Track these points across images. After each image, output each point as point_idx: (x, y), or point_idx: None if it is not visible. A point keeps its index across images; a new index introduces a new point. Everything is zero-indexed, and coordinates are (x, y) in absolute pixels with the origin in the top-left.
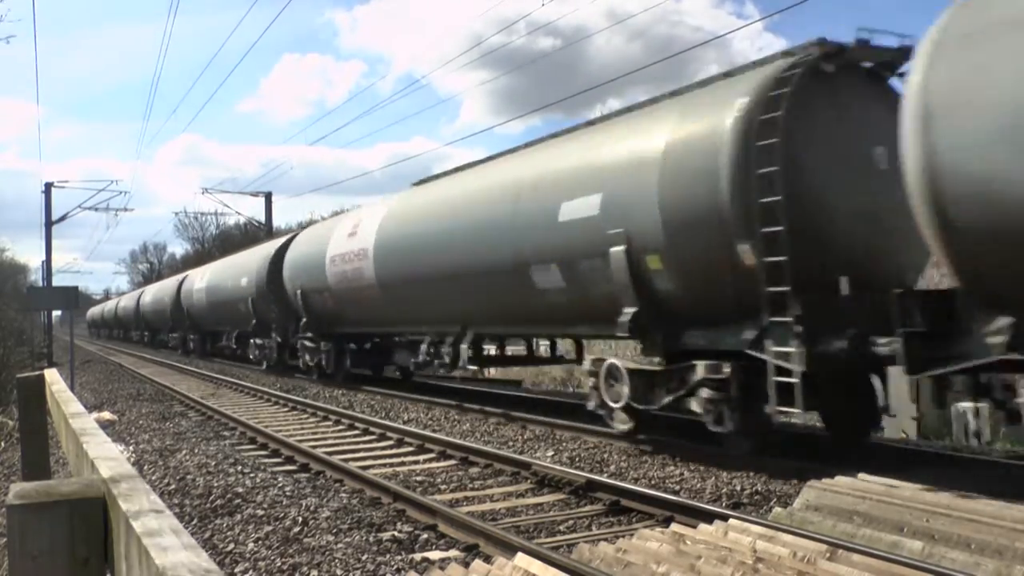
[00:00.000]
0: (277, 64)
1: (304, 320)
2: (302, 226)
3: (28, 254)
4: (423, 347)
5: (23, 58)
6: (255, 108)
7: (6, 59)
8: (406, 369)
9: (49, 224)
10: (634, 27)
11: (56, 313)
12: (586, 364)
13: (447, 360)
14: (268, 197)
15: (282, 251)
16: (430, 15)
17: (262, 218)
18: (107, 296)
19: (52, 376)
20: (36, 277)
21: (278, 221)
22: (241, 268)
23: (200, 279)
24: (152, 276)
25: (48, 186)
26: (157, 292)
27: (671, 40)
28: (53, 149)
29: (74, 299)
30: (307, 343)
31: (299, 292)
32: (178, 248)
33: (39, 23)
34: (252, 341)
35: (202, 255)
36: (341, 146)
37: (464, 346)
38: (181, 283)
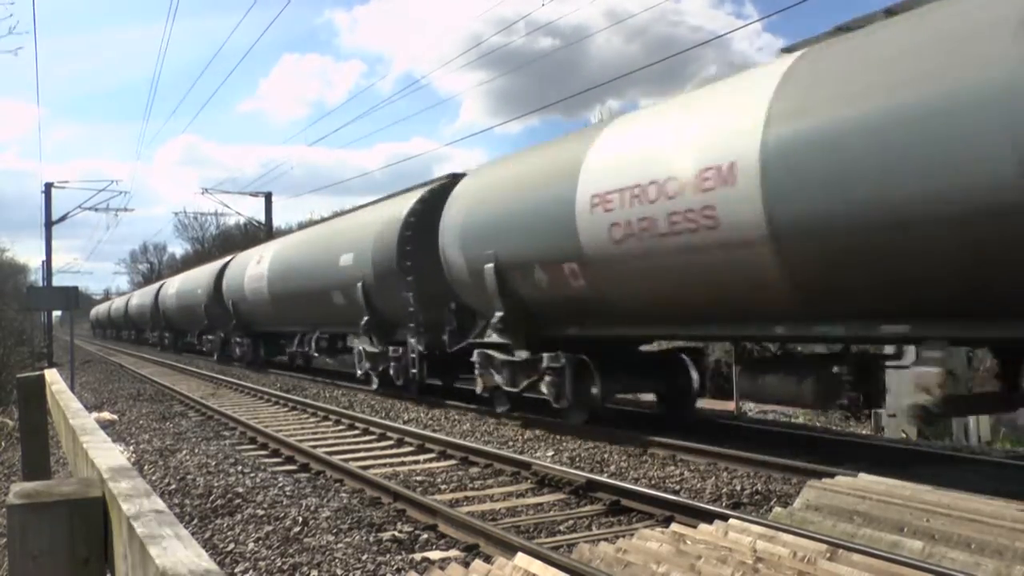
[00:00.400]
0: (276, 64)
1: (499, 315)
2: (302, 225)
3: (28, 254)
4: (932, 372)
5: (24, 59)
6: (254, 108)
7: (7, 61)
8: (685, 396)
9: (49, 224)
10: (633, 27)
11: (56, 313)
12: None
13: None
14: (268, 197)
15: (428, 208)
16: (430, 15)
17: (262, 218)
18: (107, 295)
19: (52, 376)
20: (36, 277)
21: (278, 221)
22: (340, 240)
23: (257, 262)
24: (152, 276)
25: (48, 186)
26: (184, 284)
27: (670, 40)
28: (53, 149)
29: (74, 299)
30: (497, 355)
31: (490, 268)
32: (178, 248)
33: (39, 24)
34: (360, 349)
35: (202, 255)
36: (341, 146)
37: None
38: (223, 269)
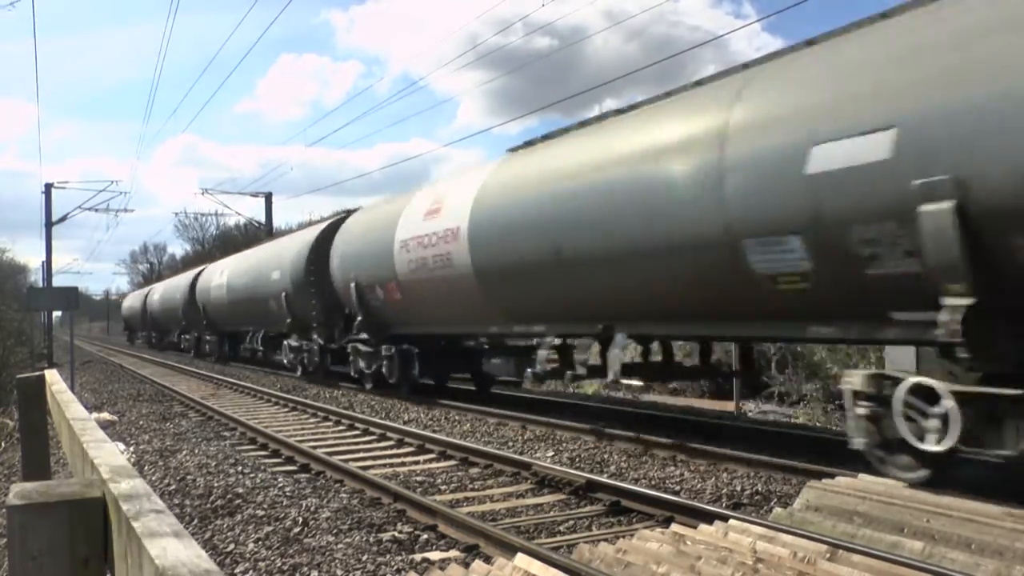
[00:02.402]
0: (274, 65)
1: (359, 319)
2: (302, 226)
3: (28, 254)
4: (542, 353)
5: (23, 58)
6: (252, 108)
7: (6, 59)
8: (485, 378)
9: (49, 225)
10: (631, 27)
11: (56, 313)
12: (854, 382)
13: (582, 371)
14: (268, 198)
15: (326, 237)
16: (427, 15)
17: (262, 218)
18: (108, 296)
19: (52, 376)
20: (36, 277)
21: (278, 221)
22: (272, 259)
23: (220, 273)
24: (152, 276)
25: (48, 187)
26: (166, 290)
27: (669, 40)
28: (52, 149)
29: (74, 300)
30: (361, 347)
31: (353, 285)
32: (178, 249)
33: (39, 24)
34: (286, 344)
35: (202, 255)
36: (340, 147)
37: (617, 351)
38: (196, 277)
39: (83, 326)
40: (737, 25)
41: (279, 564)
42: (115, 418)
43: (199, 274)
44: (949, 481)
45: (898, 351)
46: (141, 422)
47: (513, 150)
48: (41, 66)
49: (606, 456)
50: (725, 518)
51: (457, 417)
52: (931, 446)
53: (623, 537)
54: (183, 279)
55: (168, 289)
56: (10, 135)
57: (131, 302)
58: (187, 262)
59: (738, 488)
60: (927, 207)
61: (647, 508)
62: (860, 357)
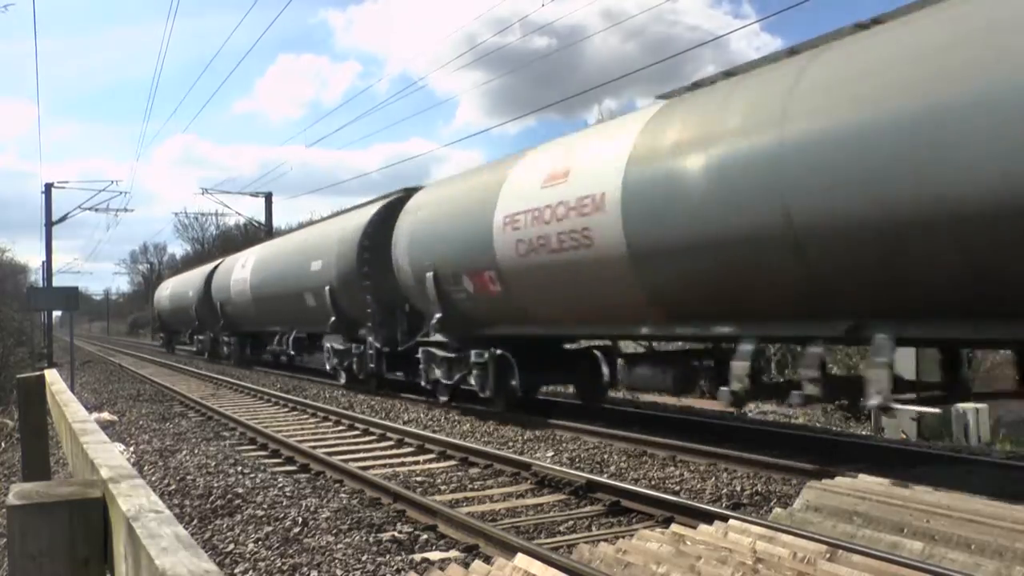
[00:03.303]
0: (272, 65)
1: (438, 317)
2: (303, 225)
3: (28, 254)
4: (740, 364)
5: (23, 58)
6: (251, 109)
7: (6, 59)
8: (597, 388)
9: (49, 224)
10: (630, 27)
11: (56, 313)
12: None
13: (813, 389)
14: (268, 198)
15: (385, 219)
16: (425, 15)
17: (262, 218)
18: (108, 296)
19: (52, 376)
20: (36, 277)
21: (278, 222)
22: (310, 247)
23: (242, 265)
24: (152, 277)
25: (48, 186)
26: (177, 286)
27: (668, 40)
28: (52, 149)
29: (74, 300)
30: (437, 351)
31: (430, 276)
32: (178, 249)
33: (39, 24)
34: (328, 346)
35: (202, 255)
36: (339, 147)
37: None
38: (212, 272)
39: (83, 326)
40: (736, 25)
41: (279, 564)
42: (115, 418)
43: (215, 269)
44: (949, 481)
45: (900, 353)
46: (141, 422)
47: (668, 96)
48: (41, 66)
49: (606, 456)
50: (725, 518)
51: (457, 418)
52: None
53: (623, 537)
54: (195, 274)
55: (179, 286)
56: (10, 135)
57: (173, 289)
58: (187, 262)
59: (738, 488)
60: None
61: (647, 508)
62: (860, 357)
